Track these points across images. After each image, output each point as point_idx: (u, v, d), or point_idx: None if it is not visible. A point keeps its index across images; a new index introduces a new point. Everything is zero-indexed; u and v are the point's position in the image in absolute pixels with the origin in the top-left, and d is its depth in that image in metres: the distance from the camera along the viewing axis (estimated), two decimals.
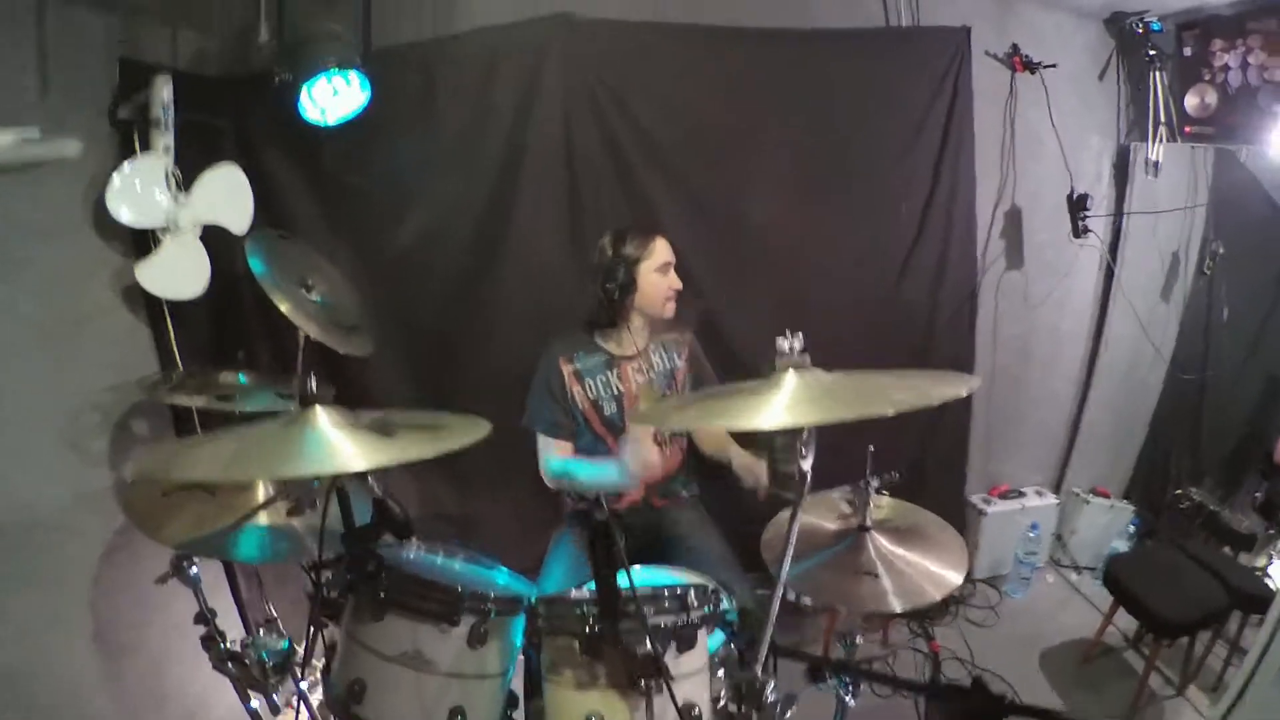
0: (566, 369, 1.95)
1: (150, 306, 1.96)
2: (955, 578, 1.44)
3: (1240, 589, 2.09)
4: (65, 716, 1.61)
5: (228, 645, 1.51)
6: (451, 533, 2.43)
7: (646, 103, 2.35)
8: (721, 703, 1.24)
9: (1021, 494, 2.85)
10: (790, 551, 1.18)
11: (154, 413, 1.93)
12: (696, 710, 1.15)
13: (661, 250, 1.96)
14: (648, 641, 1.08)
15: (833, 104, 2.47)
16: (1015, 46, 2.56)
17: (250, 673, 1.45)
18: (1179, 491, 2.69)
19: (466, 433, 1.15)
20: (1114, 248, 2.81)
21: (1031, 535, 2.70)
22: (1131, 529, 2.84)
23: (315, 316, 1.96)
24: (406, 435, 1.10)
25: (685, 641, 1.16)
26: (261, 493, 1.48)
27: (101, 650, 1.72)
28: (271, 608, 1.88)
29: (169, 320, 1.98)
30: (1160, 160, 2.59)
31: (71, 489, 1.67)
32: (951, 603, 2.71)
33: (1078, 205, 2.61)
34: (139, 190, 1.77)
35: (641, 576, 1.53)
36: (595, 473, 1.84)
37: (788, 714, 1.27)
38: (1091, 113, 2.73)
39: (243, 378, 1.87)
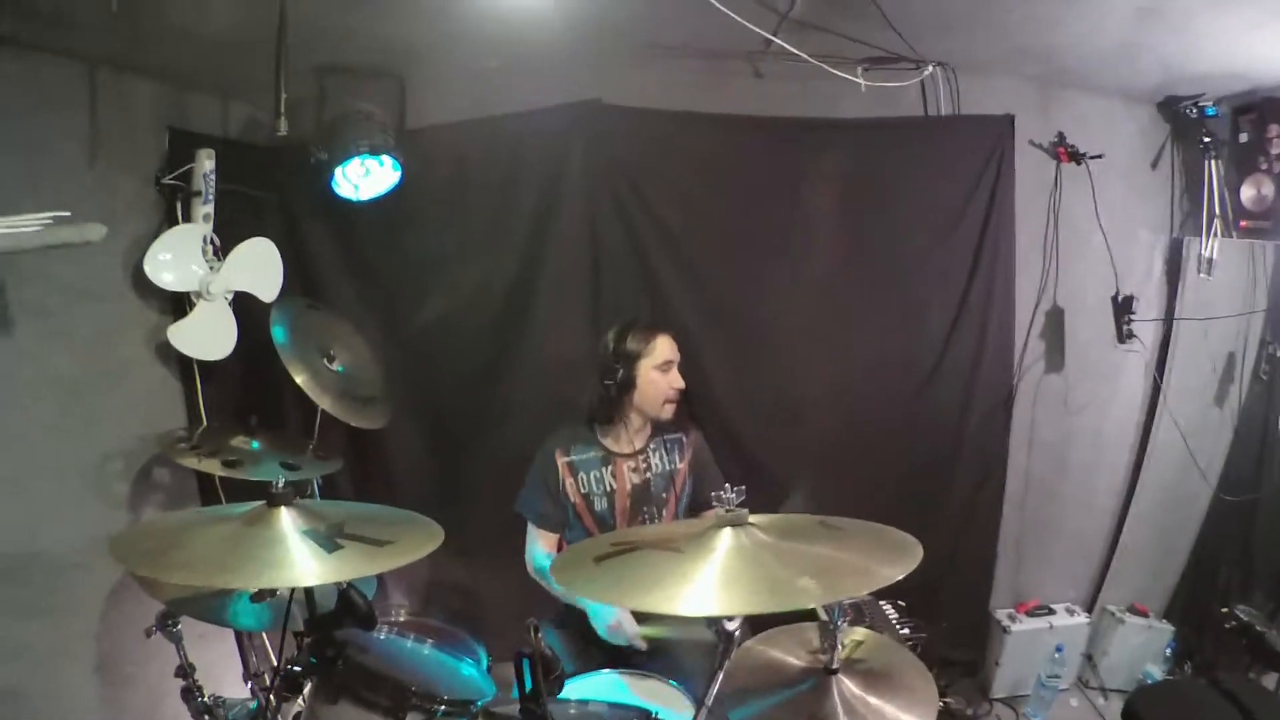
0: (561, 461, 1.98)
1: (182, 364, 2.12)
2: None
3: None
4: None
5: (205, 699, 1.61)
6: (456, 603, 2.51)
7: (671, 195, 2.42)
8: None
9: (1051, 611, 2.70)
10: (708, 703, 1.17)
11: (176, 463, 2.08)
12: None
13: (663, 348, 1.96)
14: None
15: (866, 196, 2.48)
16: (1061, 135, 2.51)
17: None
18: (1224, 610, 2.47)
19: (415, 547, 1.21)
20: (1163, 351, 2.67)
21: (1056, 656, 2.55)
22: (1169, 651, 2.66)
23: (332, 387, 2.10)
24: (354, 549, 1.16)
25: None
26: None
27: (104, 681, 1.86)
28: (271, 658, 2.00)
29: (198, 378, 2.15)
30: (1215, 256, 2.47)
31: (89, 530, 1.81)
32: None
33: (1123, 308, 2.51)
34: (177, 256, 1.95)
35: (603, 692, 1.58)
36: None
37: None
38: (1142, 204, 2.64)
39: (255, 443, 2.01)
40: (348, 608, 1.25)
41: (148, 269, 1.89)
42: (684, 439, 2.06)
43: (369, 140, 2.11)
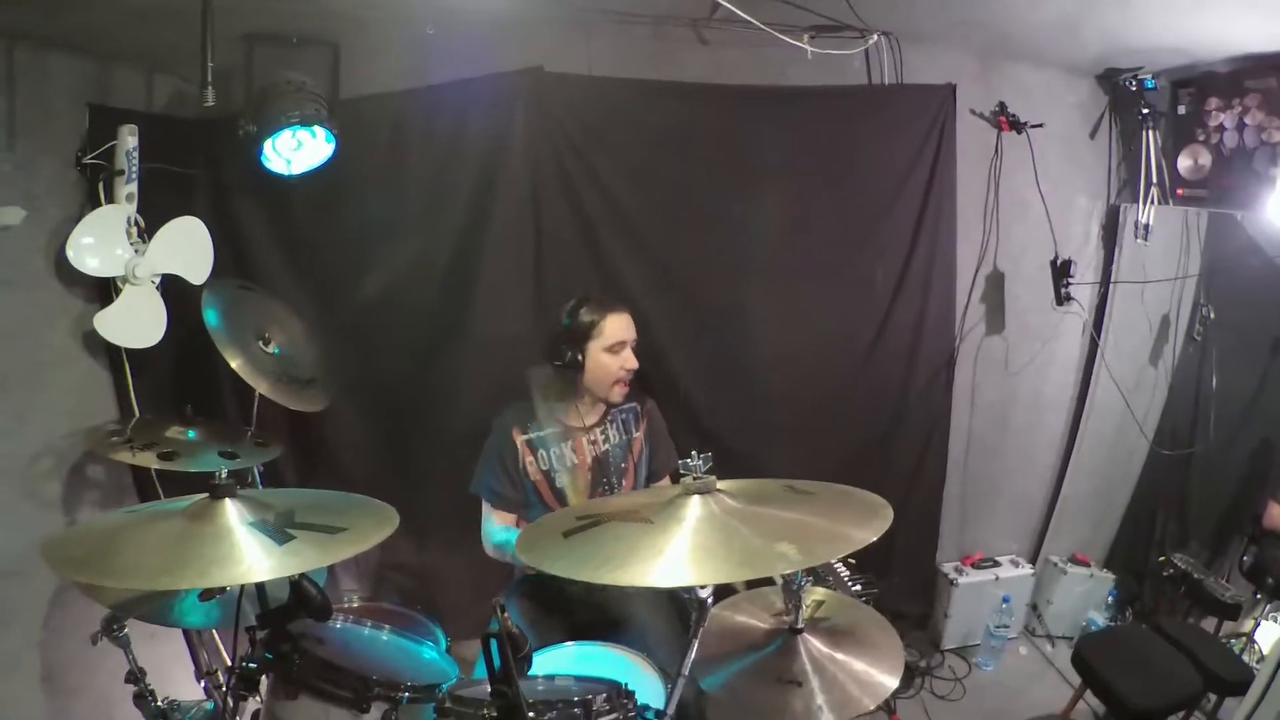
0: (520, 439, 1.97)
1: (111, 354, 2.04)
2: (890, 682, 1.39)
3: (1215, 673, 2.06)
4: None
5: (159, 704, 1.57)
6: (409, 585, 2.49)
7: (614, 165, 2.39)
8: None
9: (996, 563, 2.84)
10: (685, 673, 1.20)
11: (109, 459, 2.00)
12: None
13: (613, 329, 1.93)
14: None
15: (810, 164, 2.50)
16: (1002, 105, 2.57)
17: None
18: (1162, 559, 2.65)
19: (370, 532, 1.20)
20: (1100, 313, 2.80)
21: (1003, 607, 2.69)
22: (1110, 599, 2.83)
23: (269, 370, 2.04)
24: (306, 539, 1.14)
25: None
26: None
27: (50, 692, 1.80)
28: (224, 655, 1.95)
29: (128, 368, 2.06)
30: (1151, 223, 2.57)
31: (25, 535, 1.73)
32: (918, 673, 2.71)
33: (1061, 272, 2.61)
34: (100, 240, 1.86)
35: (567, 665, 1.59)
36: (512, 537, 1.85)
37: None
38: (1081, 173, 2.73)
39: (191, 433, 1.95)
40: (301, 599, 1.23)
41: (70, 254, 1.80)
42: (639, 408, 2.09)
43: (300, 111, 2.00)
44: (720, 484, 1.19)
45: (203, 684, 1.74)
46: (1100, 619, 2.79)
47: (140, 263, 1.92)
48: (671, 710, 1.28)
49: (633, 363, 1.95)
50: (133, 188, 1.93)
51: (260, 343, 2.07)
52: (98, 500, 1.99)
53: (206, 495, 1.19)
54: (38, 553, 1.57)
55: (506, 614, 1.11)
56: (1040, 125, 2.54)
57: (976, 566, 2.84)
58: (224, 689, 1.39)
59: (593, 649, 1.68)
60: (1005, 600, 2.71)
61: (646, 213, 2.43)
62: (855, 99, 2.51)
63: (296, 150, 2.09)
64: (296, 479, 2.34)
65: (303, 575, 1.24)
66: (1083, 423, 2.87)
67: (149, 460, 1.76)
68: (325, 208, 2.26)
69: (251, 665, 1.30)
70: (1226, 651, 2.24)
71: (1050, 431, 2.93)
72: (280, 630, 1.29)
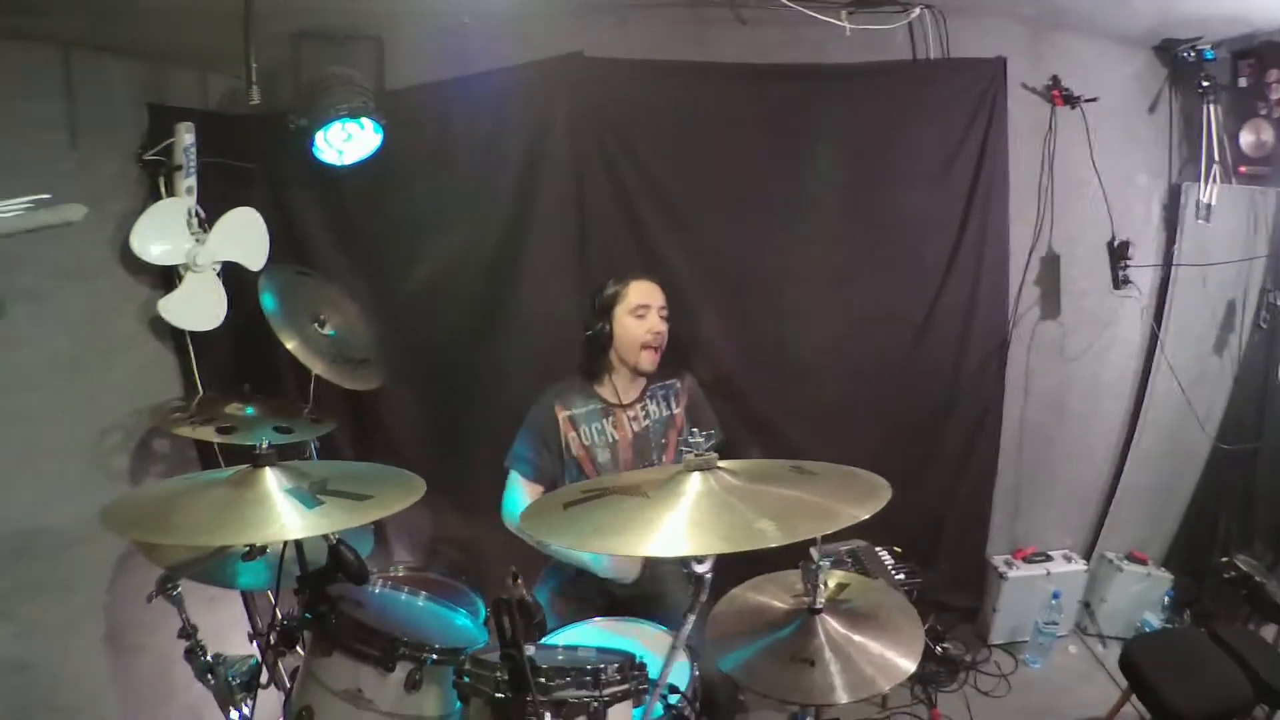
0: (562, 415, 2.04)
1: (176, 337, 2.18)
2: (908, 665, 1.39)
3: (1268, 683, 1.95)
4: (78, 709, 1.84)
5: (206, 658, 1.68)
6: (458, 557, 2.59)
7: (656, 146, 2.42)
8: None
9: (1048, 558, 2.75)
10: (679, 645, 1.23)
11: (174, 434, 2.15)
12: None
13: (636, 293, 2.01)
14: (547, 717, 1.16)
15: (854, 144, 2.47)
16: (1055, 78, 2.47)
17: (221, 688, 1.61)
18: (1224, 560, 2.51)
19: (395, 500, 1.27)
20: (1161, 299, 2.67)
21: (1053, 603, 2.61)
22: (1167, 600, 2.70)
23: (324, 351, 2.15)
24: (335, 504, 1.21)
25: (594, 717, 1.23)
26: None
27: (113, 650, 1.95)
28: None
29: (192, 350, 2.21)
30: (1214, 203, 2.44)
31: (93, 503, 1.86)
32: (962, 667, 2.66)
33: (1118, 254, 2.51)
34: (162, 230, 1.99)
35: (595, 639, 1.67)
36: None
37: None
38: (1140, 149, 2.61)
39: (250, 409, 2.07)
40: (339, 563, 1.32)
41: (134, 245, 1.93)
42: (678, 384, 2.14)
43: (348, 104, 2.11)
44: (721, 463, 1.21)
45: (255, 643, 1.86)
46: (1155, 620, 2.67)
47: (200, 251, 2.06)
48: (663, 681, 1.30)
49: (659, 327, 2.02)
50: (192, 181, 2.06)
51: (316, 325, 2.18)
52: (163, 472, 2.13)
53: (249, 465, 1.28)
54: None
55: (520, 581, 1.16)
56: (1095, 99, 2.43)
57: (1028, 560, 2.76)
58: (265, 643, 1.48)
59: (616, 623, 1.76)
60: (1055, 596, 2.62)
61: (689, 194, 2.45)
62: (899, 75, 2.46)
63: (347, 141, 2.20)
64: (353, 454, 2.46)
65: (340, 541, 1.33)
66: (1143, 413, 2.74)
67: (208, 434, 1.88)
68: (376, 195, 2.37)
69: (291, 623, 1.40)
70: None
71: (1108, 421, 2.81)
72: (319, 592, 1.37)
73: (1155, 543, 2.87)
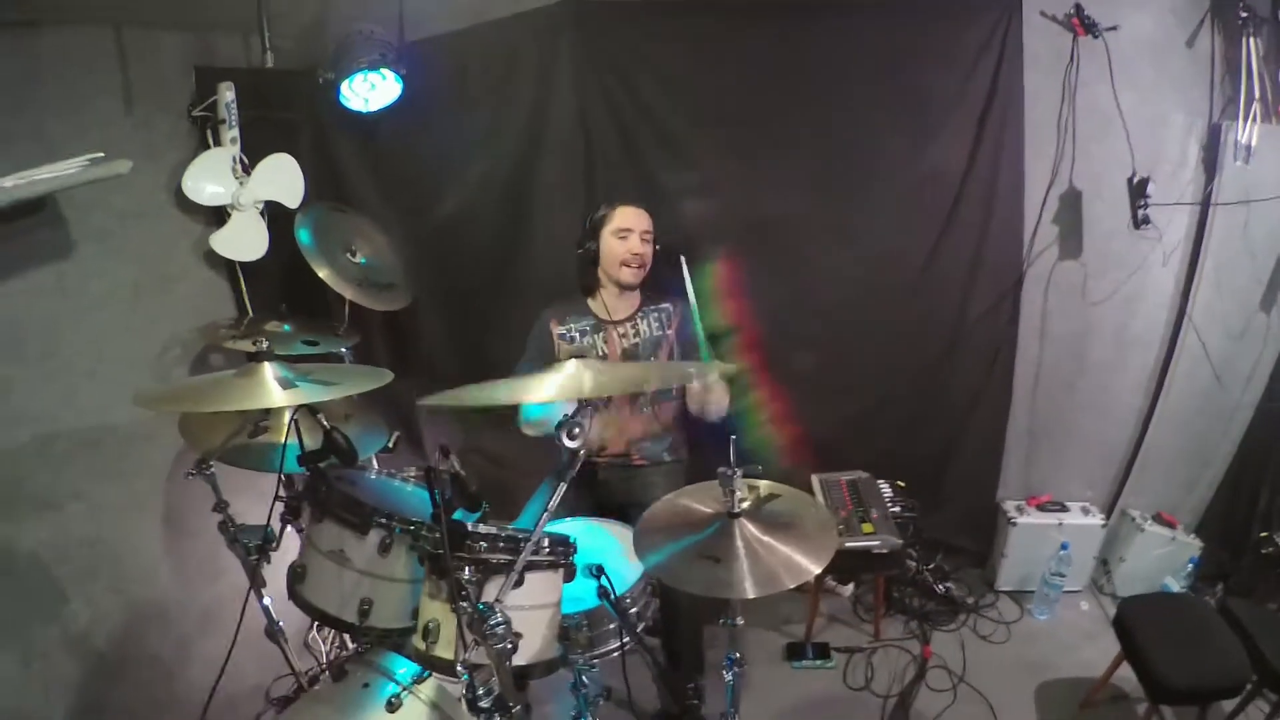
0: (556, 330, 2.30)
1: (228, 267, 2.56)
2: (813, 568, 1.52)
3: (1273, 665, 1.88)
4: (138, 579, 2.23)
5: (232, 529, 2.00)
6: (485, 466, 2.82)
7: (657, 85, 2.56)
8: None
9: (1063, 508, 2.75)
10: (545, 518, 1.40)
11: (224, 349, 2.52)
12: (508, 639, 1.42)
13: (621, 217, 2.24)
14: (466, 570, 1.39)
15: (857, 76, 2.51)
16: (1078, 6, 2.40)
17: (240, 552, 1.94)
18: (1264, 534, 2.43)
19: (354, 386, 1.55)
20: (1197, 245, 2.56)
21: (1061, 554, 2.61)
22: (1190, 566, 2.65)
23: (354, 277, 2.45)
24: (306, 385, 1.50)
25: (516, 578, 1.45)
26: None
27: (169, 531, 2.34)
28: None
29: (241, 278, 2.58)
30: (1254, 144, 2.33)
31: None
32: (963, 609, 2.72)
33: (1137, 191, 2.44)
34: (210, 176, 2.34)
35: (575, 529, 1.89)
36: (546, 411, 2.15)
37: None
38: (1176, 86, 2.50)
39: (286, 326, 2.41)
40: (331, 445, 1.62)
41: (186, 189, 2.29)
42: (670, 308, 2.33)
43: (368, 56, 2.38)
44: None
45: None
46: (1176, 586, 2.64)
47: (243, 192, 2.40)
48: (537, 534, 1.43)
49: (638, 248, 2.24)
50: (235, 132, 2.39)
51: (348, 254, 2.47)
52: None
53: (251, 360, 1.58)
54: (162, 420, 2.09)
55: (451, 456, 1.39)
56: (1114, 28, 2.35)
57: (1042, 509, 2.78)
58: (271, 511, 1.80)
59: (603, 522, 2.00)
60: (1063, 548, 2.63)
61: (690, 131, 2.59)
62: (904, 4, 2.45)
63: (371, 91, 2.48)
64: (392, 362, 2.76)
65: (334, 428, 1.62)
66: (1171, 367, 2.66)
67: (246, 346, 2.20)
68: (404, 137, 2.64)
69: (294, 496, 1.71)
70: None
71: (1135, 373, 2.76)
72: (316, 469, 1.66)
73: (1187, 508, 2.80)
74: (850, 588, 2.92)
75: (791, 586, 1.50)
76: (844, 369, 2.73)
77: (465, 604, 1.30)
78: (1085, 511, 2.74)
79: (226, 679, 2.11)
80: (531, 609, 1.50)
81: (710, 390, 2.17)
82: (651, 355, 2.30)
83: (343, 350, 2.46)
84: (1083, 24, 2.37)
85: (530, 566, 1.48)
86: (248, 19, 2.46)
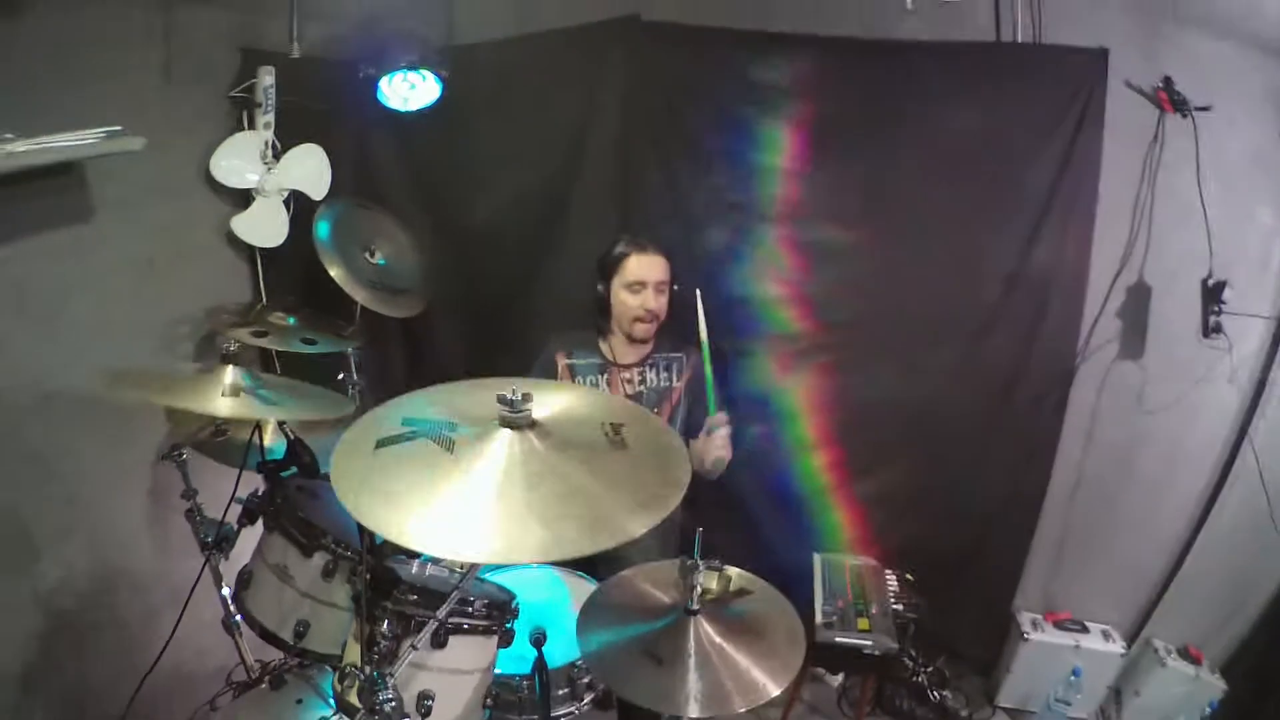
0: (562, 362, 2.30)
1: (250, 251, 2.68)
2: (771, 688, 1.40)
3: None
4: (116, 546, 2.34)
5: (198, 518, 2.06)
6: None
7: (702, 113, 2.56)
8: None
9: (1083, 628, 2.62)
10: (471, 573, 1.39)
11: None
12: (424, 699, 1.43)
13: (634, 269, 2.18)
14: (384, 624, 1.41)
15: (919, 128, 2.45)
16: (1168, 80, 2.27)
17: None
18: None
19: (304, 412, 1.61)
20: (1270, 361, 2.39)
21: (1071, 680, 2.48)
22: (1208, 710, 2.48)
23: (368, 279, 2.52)
24: (245, 400, 1.58)
25: (437, 640, 1.46)
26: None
27: (155, 505, 2.41)
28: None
29: (260, 264, 2.71)
30: None
31: None
32: None
33: (1212, 295, 2.28)
34: (239, 158, 2.47)
35: (518, 581, 1.91)
36: None
37: None
38: (1267, 178, 2.33)
39: (292, 319, 2.51)
40: (292, 456, 1.69)
41: (213, 168, 2.43)
42: (684, 359, 2.30)
43: (409, 56, 2.46)
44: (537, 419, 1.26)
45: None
46: None
47: (269, 178, 2.52)
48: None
49: (651, 304, 2.18)
50: (270, 117, 2.51)
51: (366, 254, 2.55)
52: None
53: (219, 360, 1.67)
54: None
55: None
56: (1207, 108, 2.21)
57: (1059, 626, 2.65)
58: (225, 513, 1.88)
59: (561, 573, 2.00)
60: (1075, 673, 2.50)
61: (727, 162, 2.56)
62: (978, 58, 2.39)
63: (411, 90, 2.55)
64: (405, 374, 2.89)
65: (298, 438, 1.68)
66: (1224, 490, 2.50)
67: (243, 336, 2.31)
68: (441, 140, 2.71)
69: (251, 501, 1.76)
70: None
71: (1184, 493, 2.60)
72: (275, 478, 1.73)
73: (1216, 642, 2.63)
74: (840, 677, 2.85)
75: (741, 710, 1.37)
76: (867, 445, 2.67)
77: (362, 667, 1.29)
78: (1106, 636, 2.60)
79: (193, 657, 2.28)
80: (454, 673, 1.51)
81: (712, 444, 2.10)
82: (656, 406, 2.27)
83: (348, 351, 2.52)
84: (1171, 100, 2.24)
85: (456, 630, 1.50)
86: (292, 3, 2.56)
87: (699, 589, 1.52)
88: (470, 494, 1.13)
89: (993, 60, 2.38)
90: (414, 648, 1.35)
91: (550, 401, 1.31)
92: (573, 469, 1.19)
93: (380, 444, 1.23)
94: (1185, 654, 2.54)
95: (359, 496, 1.12)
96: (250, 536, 1.78)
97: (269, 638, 1.60)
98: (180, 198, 2.45)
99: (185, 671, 2.28)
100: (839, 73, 2.45)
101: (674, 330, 2.30)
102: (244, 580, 1.67)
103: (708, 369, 2.09)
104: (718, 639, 1.47)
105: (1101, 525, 2.65)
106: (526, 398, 1.24)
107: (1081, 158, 2.34)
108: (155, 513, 2.47)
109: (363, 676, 1.27)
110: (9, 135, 1.74)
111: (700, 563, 1.52)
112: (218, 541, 1.96)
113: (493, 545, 1.06)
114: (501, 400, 1.24)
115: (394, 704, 1.24)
